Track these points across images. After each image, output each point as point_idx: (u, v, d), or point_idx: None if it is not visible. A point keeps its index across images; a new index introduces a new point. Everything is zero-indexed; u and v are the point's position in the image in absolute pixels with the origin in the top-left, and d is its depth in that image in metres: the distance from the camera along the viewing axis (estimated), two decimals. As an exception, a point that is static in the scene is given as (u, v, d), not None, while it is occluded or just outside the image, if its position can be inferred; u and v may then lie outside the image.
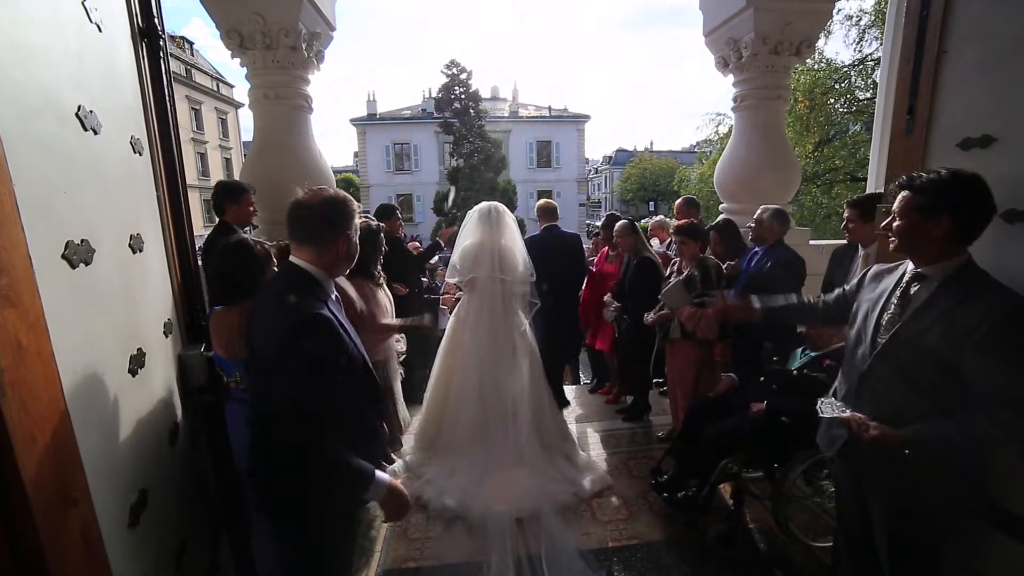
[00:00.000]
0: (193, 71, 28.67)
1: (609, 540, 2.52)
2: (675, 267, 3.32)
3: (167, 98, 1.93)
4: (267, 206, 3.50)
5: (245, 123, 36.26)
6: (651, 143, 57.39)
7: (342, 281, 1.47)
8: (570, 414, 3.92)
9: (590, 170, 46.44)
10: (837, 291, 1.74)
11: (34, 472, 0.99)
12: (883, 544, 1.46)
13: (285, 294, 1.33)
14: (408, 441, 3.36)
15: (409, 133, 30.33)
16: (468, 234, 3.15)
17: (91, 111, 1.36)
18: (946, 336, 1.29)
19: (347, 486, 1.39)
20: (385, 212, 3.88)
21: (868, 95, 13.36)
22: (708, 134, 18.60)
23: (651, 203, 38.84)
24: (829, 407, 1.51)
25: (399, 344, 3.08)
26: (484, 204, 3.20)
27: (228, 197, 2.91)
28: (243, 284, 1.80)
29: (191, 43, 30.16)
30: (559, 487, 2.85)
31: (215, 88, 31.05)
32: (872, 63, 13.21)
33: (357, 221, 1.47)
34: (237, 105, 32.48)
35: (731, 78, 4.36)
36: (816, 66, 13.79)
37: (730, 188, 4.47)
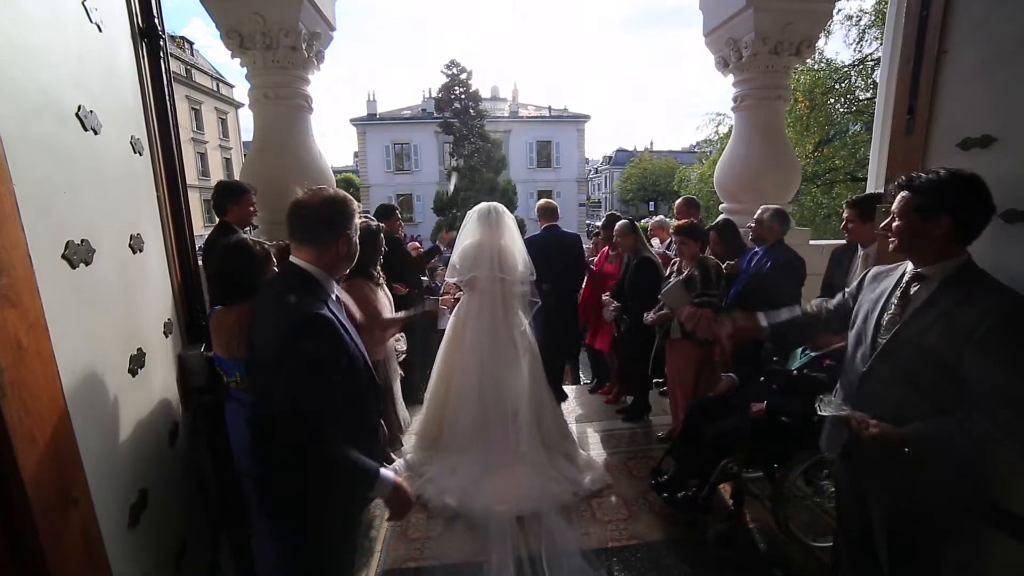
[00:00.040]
0: (193, 71, 28.67)
1: (609, 540, 2.52)
2: (675, 267, 3.32)
3: (167, 98, 1.93)
4: (267, 206, 3.50)
5: (245, 123, 36.31)
6: (651, 143, 57.45)
7: (340, 293, 1.49)
8: (570, 414, 3.92)
9: (590, 170, 46.44)
10: (839, 297, 1.74)
11: (34, 472, 0.99)
12: (883, 544, 1.46)
13: (285, 294, 1.33)
14: (408, 441, 3.36)
15: (409, 133, 30.33)
16: (468, 234, 3.16)
17: (91, 111, 1.36)
18: (946, 336, 1.29)
19: (353, 484, 1.40)
20: (385, 212, 3.88)
21: (868, 95, 13.36)
22: (708, 134, 18.63)
23: (651, 203, 38.85)
24: (828, 405, 1.51)
25: (399, 343, 3.08)
26: (483, 204, 3.21)
27: (229, 197, 2.91)
28: (243, 284, 1.80)
29: (191, 43, 30.17)
30: (559, 486, 2.85)
31: (215, 88, 31.06)
32: (872, 63, 13.22)
33: (357, 221, 1.47)
34: (237, 105, 32.48)
35: (731, 78, 4.36)
36: (816, 66, 13.80)
37: (730, 188, 4.47)
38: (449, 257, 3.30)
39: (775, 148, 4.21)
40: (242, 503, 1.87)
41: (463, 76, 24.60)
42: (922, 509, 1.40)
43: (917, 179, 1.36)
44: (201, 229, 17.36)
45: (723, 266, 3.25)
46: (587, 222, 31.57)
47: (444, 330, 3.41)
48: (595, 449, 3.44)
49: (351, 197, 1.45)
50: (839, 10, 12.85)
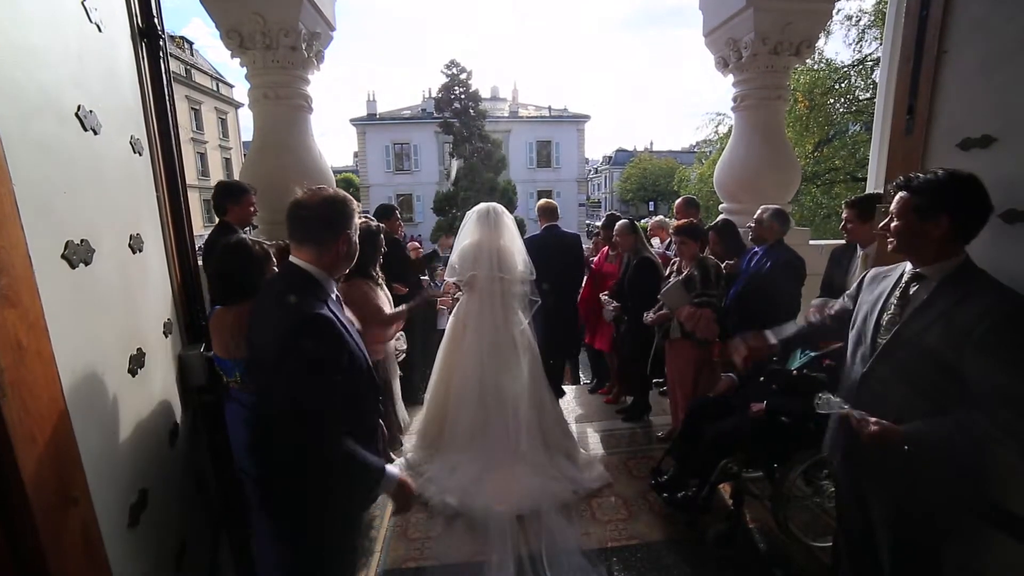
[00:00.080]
0: (193, 71, 28.67)
1: (609, 540, 2.52)
2: (675, 267, 3.32)
3: (167, 98, 1.93)
4: (267, 206, 3.50)
5: (245, 123, 36.32)
6: (651, 143, 57.47)
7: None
8: (570, 414, 3.92)
9: (590, 170, 46.45)
10: (840, 301, 1.73)
11: (34, 472, 0.99)
12: (884, 544, 1.46)
13: (285, 294, 1.33)
14: (408, 441, 3.36)
15: (409, 133, 30.33)
16: (467, 234, 3.16)
17: (91, 111, 1.36)
18: (945, 336, 1.29)
19: (360, 481, 1.41)
20: (384, 212, 3.88)
21: (868, 95, 13.35)
22: (708, 134, 18.60)
23: (651, 203, 38.85)
24: (827, 403, 1.51)
25: (399, 342, 3.08)
26: (482, 205, 3.21)
27: (229, 197, 2.91)
28: (243, 284, 1.80)
29: (191, 43, 30.16)
30: (559, 485, 2.86)
31: (215, 88, 31.06)
32: (872, 63, 13.21)
33: (357, 221, 1.47)
34: (237, 105, 32.48)
35: (731, 78, 4.36)
36: (816, 66, 13.79)
37: (730, 188, 4.47)
38: (448, 258, 3.31)
39: (775, 148, 4.20)
40: (242, 503, 1.87)
41: (463, 76, 24.60)
42: (922, 509, 1.40)
43: (915, 179, 1.36)
44: (201, 229, 17.35)
45: (723, 266, 3.26)
46: (587, 222, 31.58)
47: (444, 330, 3.41)
48: (595, 449, 3.44)
49: (351, 197, 1.45)
50: (839, 10, 12.86)
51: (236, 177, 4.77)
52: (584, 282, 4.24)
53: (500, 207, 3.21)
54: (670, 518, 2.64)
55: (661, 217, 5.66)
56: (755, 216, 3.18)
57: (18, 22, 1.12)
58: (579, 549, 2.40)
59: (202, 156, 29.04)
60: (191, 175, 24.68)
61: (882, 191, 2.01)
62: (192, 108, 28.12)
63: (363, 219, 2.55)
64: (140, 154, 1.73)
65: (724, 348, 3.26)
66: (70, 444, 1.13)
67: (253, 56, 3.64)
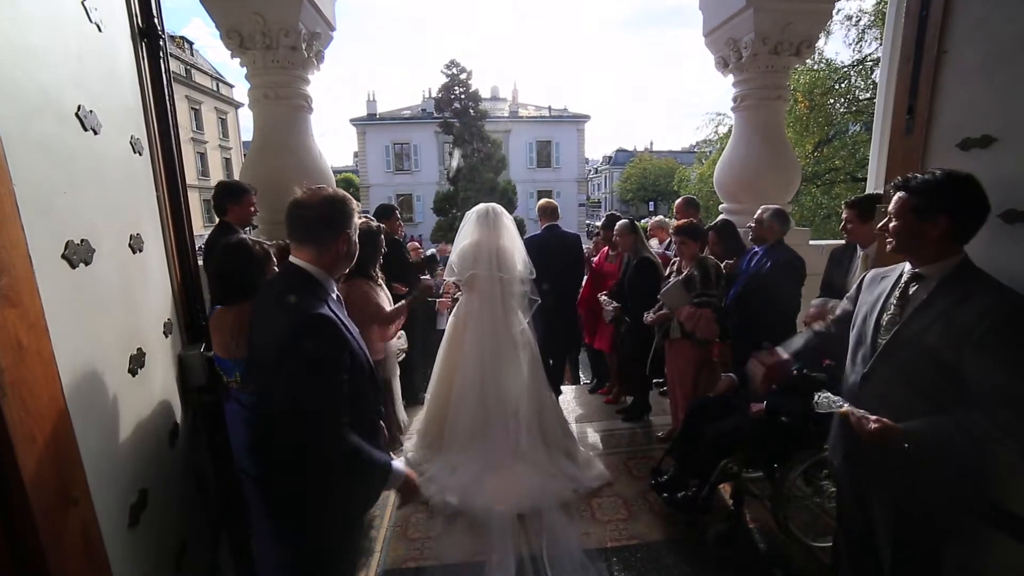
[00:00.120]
0: (193, 71, 28.67)
1: (609, 540, 2.52)
2: (675, 267, 3.32)
3: (167, 98, 1.93)
4: (267, 206, 3.50)
5: (245, 123, 36.32)
6: (651, 143, 57.50)
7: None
8: (570, 414, 3.91)
9: (590, 170, 46.46)
10: (842, 305, 1.73)
11: (34, 472, 0.99)
12: (885, 544, 1.46)
13: (285, 294, 1.33)
14: (408, 441, 3.36)
15: (409, 133, 30.34)
16: (466, 235, 3.17)
17: (91, 111, 1.36)
18: (945, 335, 1.29)
19: (369, 477, 1.42)
20: (385, 212, 3.88)
21: (868, 95, 13.35)
22: (708, 134, 18.60)
23: (651, 203, 38.85)
24: (826, 401, 1.51)
25: (400, 341, 3.08)
26: (481, 205, 3.22)
27: (229, 197, 2.91)
28: (242, 284, 1.80)
29: (191, 43, 30.16)
30: (560, 483, 2.86)
31: (215, 88, 31.06)
32: (872, 63, 13.21)
33: (356, 220, 1.47)
34: (237, 105, 32.48)
35: (731, 78, 4.36)
36: (816, 66, 13.79)
37: (730, 188, 4.47)
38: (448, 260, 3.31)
39: (775, 148, 4.20)
40: (242, 503, 1.87)
41: (463, 76, 24.62)
42: (922, 509, 1.40)
43: (913, 180, 1.37)
44: (201, 229, 17.35)
45: (722, 266, 3.26)
46: (587, 222, 31.58)
47: (444, 330, 3.41)
48: (595, 449, 3.44)
49: (350, 196, 1.46)
50: (839, 10, 12.85)
51: (236, 177, 4.77)
52: (584, 282, 4.24)
53: (499, 207, 3.21)
54: (670, 518, 2.64)
55: (661, 217, 5.66)
56: (755, 216, 3.18)
57: (18, 22, 1.12)
58: (580, 548, 2.41)
59: (202, 156, 29.04)
60: (191, 175, 24.68)
61: (882, 191, 2.01)
62: (192, 108, 28.12)
63: (363, 219, 2.55)
64: (140, 154, 1.73)
65: (724, 348, 3.28)
66: (70, 444, 1.13)
67: (253, 56, 3.64)
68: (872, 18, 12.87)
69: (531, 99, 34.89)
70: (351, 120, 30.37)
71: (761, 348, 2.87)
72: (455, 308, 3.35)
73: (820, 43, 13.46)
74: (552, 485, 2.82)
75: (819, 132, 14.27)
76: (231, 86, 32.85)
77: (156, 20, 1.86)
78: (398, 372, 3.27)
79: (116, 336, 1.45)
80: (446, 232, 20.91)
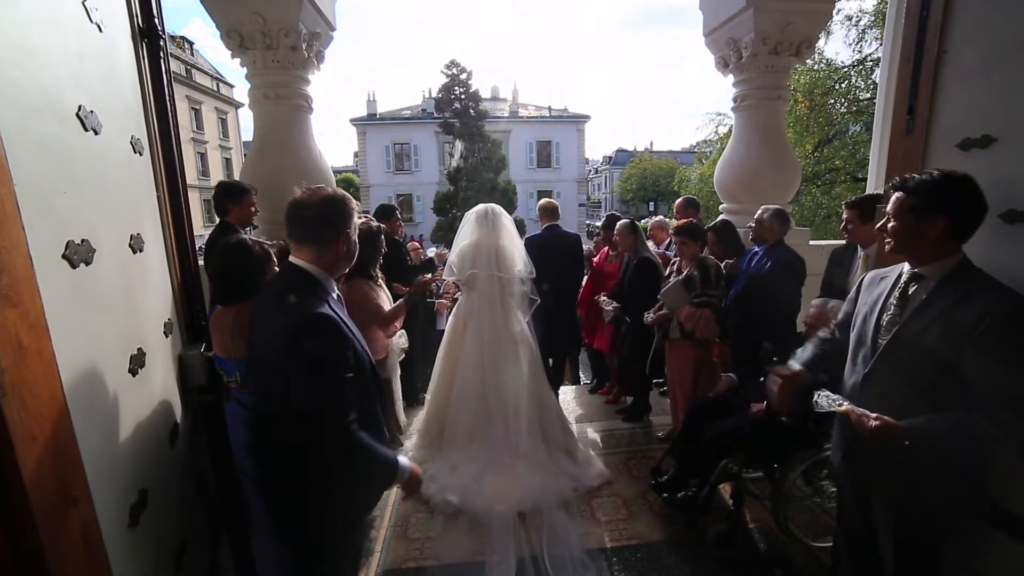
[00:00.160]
0: (193, 71, 28.67)
1: (609, 540, 2.53)
2: (675, 267, 3.32)
3: (167, 98, 1.93)
4: (268, 206, 3.50)
5: (245, 123, 36.32)
6: (651, 143, 57.56)
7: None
8: (570, 414, 3.91)
9: (590, 170, 46.46)
10: (844, 308, 1.73)
11: (34, 471, 0.99)
12: (886, 545, 1.46)
13: (286, 294, 1.33)
14: (407, 441, 3.37)
15: (409, 133, 30.35)
16: (465, 235, 3.18)
17: (91, 111, 1.36)
18: (945, 335, 1.30)
19: (377, 473, 1.44)
20: (385, 212, 3.88)
21: (868, 95, 13.35)
22: (708, 134, 18.59)
23: (651, 203, 38.86)
24: (826, 400, 1.51)
25: (401, 340, 3.08)
26: (481, 206, 3.23)
27: (230, 197, 2.92)
28: (243, 284, 1.80)
29: (191, 43, 30.16)
30: (560, 482, 2.87)
31: (215, 88, 31.06)
32: (872, 63, 13.21)
33: (356, 220, 1.47)
34: (237, 105, 32.48)
35: (731, 78, 4.36)
36: (816, 66, 13.78)
37: (730, 188, 4.47)
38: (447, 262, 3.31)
39: (775, 148, 4.20)
40: (242, 503, 1.87)
41: (463, 76, 24.61)
42: (922, 509, 1.40)
43: (910, 180, 1.37)
44: (201, 229, 17.35)
45: (722, 265, 3.26)
46: (587, 222, 31.59)
47: (443, 330, 3.42)
48: (595, 449, 3.44)
49: (349, 196, 1.46)
50: (839, 10, 12.85)
51: (236, 177, 4.77)
52: (585, 282, 4.24)
53: (498, 208, 3.22)
54: (670, 518, 2.64)
55: (661, 217, 5.66)
56: (755, 216, 3.19)
57: (18, 22, 1.12)
58: (580, 546, 2.41)
59: (202, 156, 29.04)
60: (191, 175, 24.69)
61: (882, 191, 2.01)
62: (192, 108, 28.12)
63: (363, 219, 2.55)
64: (140, 154, 1.73)
65: (724, 348, 3.28)
66: (70, 444, 1.13)
67: (253, 56, 3.64)
68: (872, 18, 12.87)
69: (531, 99, 34.97)
70: (351, 120, 30.38)
71: (761, 348, 2.89)
72: (455, 308, 3.35)
73: (820, 43, 13.47)
74: (553, 484, 2.83)
75: (819, 132, 14.27)
76: (231, 86, 32.86)
77: (156, 20, 1.86)
78: (398, 372, 3.27)
79: (116, 336, 1.45)
80: (446, 232, 20.92)
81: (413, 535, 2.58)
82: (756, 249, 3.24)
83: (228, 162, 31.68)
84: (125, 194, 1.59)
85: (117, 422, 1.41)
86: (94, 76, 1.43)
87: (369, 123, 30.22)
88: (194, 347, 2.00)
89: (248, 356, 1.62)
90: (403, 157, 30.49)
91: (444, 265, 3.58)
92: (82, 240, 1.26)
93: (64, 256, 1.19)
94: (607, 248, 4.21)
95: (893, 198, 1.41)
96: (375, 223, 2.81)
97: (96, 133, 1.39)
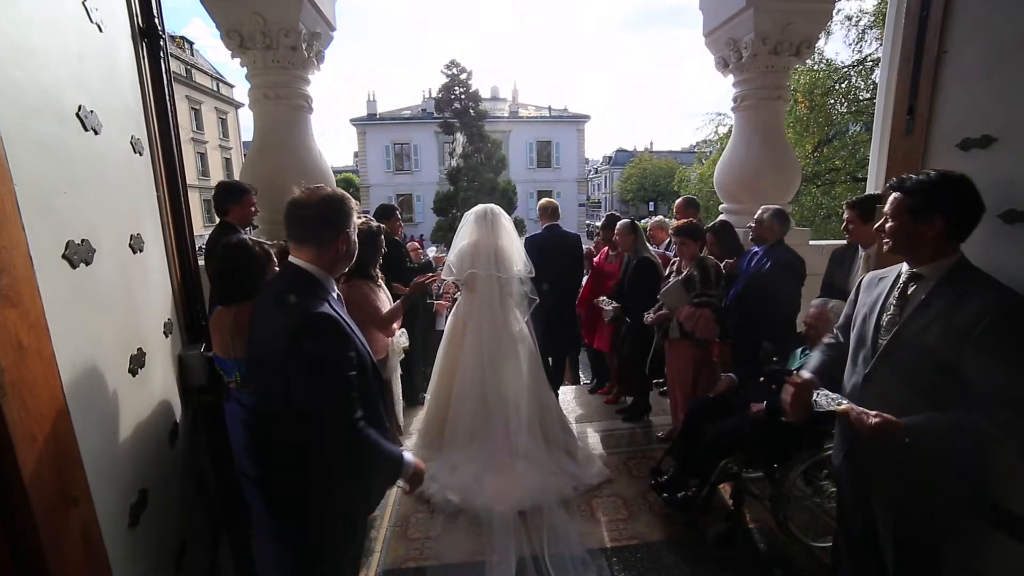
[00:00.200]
0: (193, 71, 28.67)
1: (609, 540, 2.53)
2: (674, 267, 3.32)
3: (167, 98, 1.93)
4: (268, 206, 3.50)
5: (245, 123, 36.32)
6: (651, 143, 57.50)
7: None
8: (570, 414, 3.92)
9: (590, 170, 46.47)
10: (845, 311, 1.72)
11: (34, 471, 0.99)
12: (887, 545, 1.46)
13: (286, 294, 1.33)
14: (407, 441, 3.37)
15: (409, 133, 30.36)
16: (464, 235, 3.18)
17: (91, 111, 1.36)
18: (945, 335, 1.30)
19: (384, 468, 1.45)
20: (385, 212, 3.88)
21: (868, 95, 13.35)
22: (708, 134, 18.60)
23: (651, 203, 38.86)
24: (826, 400, 1.51)
25: (402, 339, 3.08)
26: (480, 206, 3.23)
27: (230, 197, 2.92)
28: (243, 284, 1.80)
29: (191, 43, 30.16)
30: (560, 481, 2.88)
31: (215, 88, 31.06)
32: (872, 63, 13.21)
33: (355, 219, 1.47)
34: (237, 105, 32.48)
35: (731, 78, 4.36)
36: (816, 66, 13.78)
37: (730, 188, 4.47)
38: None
39: (775, 148, 4.20)
40: (242, 503, 1.87)
41: (463, 76, 24.61)
42: (922, 509, 1.40)
43: (907, 180, 1.38)
44: (201, 229, 17.35)
45: (722, 265, 3.26)
46: (587, 222, 31.60)
47: (443, 330, 3.42)
48: (595, 449, 3.44)
49: (348, 195, 1.46)
50: (839, 11, 12.85)
51: (236, 177, 4.77)
52: (585, 282, 4.24)
53: (497, 208, 3.23)
54: (670, 518, 2.64)
55: (661, 217, 5.66)
56: (755, 216, 3.19)
57: (18, 22, 1.12)
58: (580, 545, 2.41)
59: (202, 156, 29.03)
60: (191, 175, 24.69)
61: (882, 191, 2.01)
62: (192, 108, 28.12)
63: (363, 219, 2.55)
64: (140, 154, 1.73)
65: (724, 348, 3.28)
66: (70, 444, 1.13)
67: (253, 56, 3.64)
68: (872, 18, 12.87)
69: (531, 99, 34.96)
70: (351, 120, 30.39)
71: (761, 348, 2.89)
72: (454, 308, 3.36)
73: (820, 43, 13.47)
74: (553, 482, 2.83)
75: (819, 132, 14.27)
76: (231, 86, 32.86)
77: (156, 20, 1.86)
78: (398, 372, 3.27)
79: (116, 336, 1.45)
80: (446, 232, 20.92)
81: (413, 535, 2.58)
82: (756, 249, 3.24)
83: (228, 162, 31.68)
84: (125, 194, 1.59)
85: (117, 422, 1.41)
86: (94, 76, 1.43)
87: (369, 123, 30.23)
88: (194, 347, 2.00)
89: (248, 356, 1.62)
90: (403, 157, 30.50)
91: (443, 267, 3.58)
92: (82, 240, 1.26)
93: (64, 256, 1.19)
94: (607, 248, 4.21)
95: (891, 198, 1.42)
96: (375, 223, 2.80)
97: (96, 133, 1.39)
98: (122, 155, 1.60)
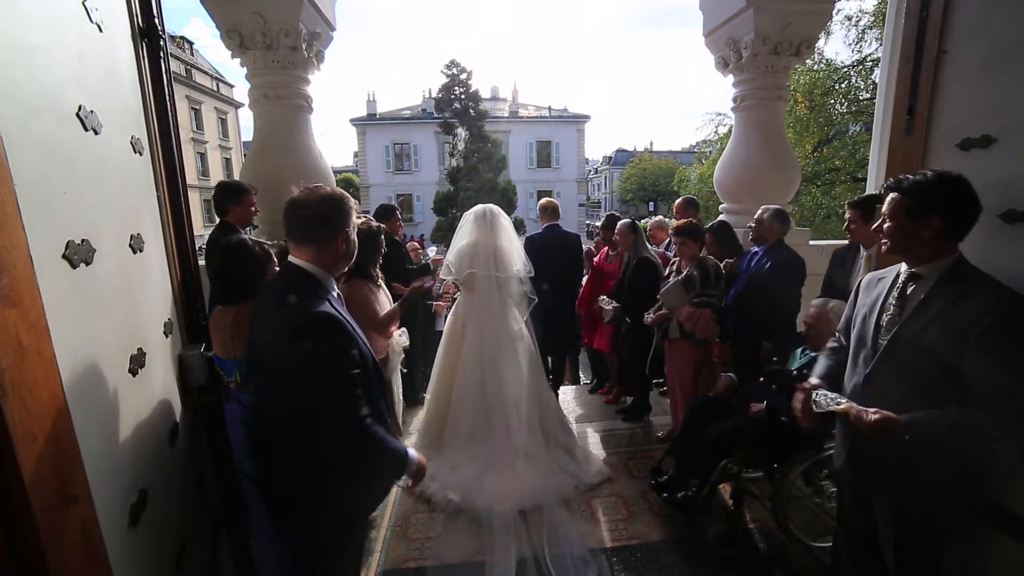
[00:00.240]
0: (193, 71, 28.67)
1: (609, 540, 2.53)
2: (674, 267, 3.32)
3: (167, 98, 1.93)
4: (268, 206, 3.50)
5: (245, 123, 36.32)
6: (651, 143, 57.54)
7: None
8: (570, 414, 3.92)
9: (590, 170, 46.48)
10: (845, 314, 1.72)
11: (34, 471, 0.99)
12: (888, 545, 1.46)
13: (286, 294, 1.33)
14: (407, 441, 3.37)
15: (409, 133, 30.36)
16: (463, 235, 3.19)
17: (91, 111, 1.36)
18: (944, 335, 1.30)
19: (391, 464, 1.46)
20: (385, 212, 3.88)
21: (868, 95, 13.35)
22: (708, 134, 18.60)
23: (651, 203, 38.86)
24: (825, 399, 1.51)
25: (402, 339, 3.08)
26: (479, 206, 3.24)
27: (230, 197, 2.92)
28: (243, 284, 1.80)
29: (191, 43, 30.16)
30: (560, 479, 2.88)
31: (215, 88, 31.06)
32: (872, 63, 13.21)
33: (355, 218, 1.47)
34: (237, 105, 32.48)
35: (731, 78, 4.36)
36: (816, 67, 13.79)
37: (730, 188, 4.47)
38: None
39: (775, 148, 4.20)
40: (242, 503, 1.87)
41: (463, 76, 24.61)
42: (923, 509, 1.40)
43: (904, 181, 1.38)
44: (201, 229, 17.34)
45: (722, 265, 3.25)
46: (587, 222, 31.60)
47: (442, 331, 3.42)
48: (595, 449, 3.44)
49: (347, 194, 1.46)
50: (839, 11, 12.86)
51: (236, 177, 4.77)
52: (585, 282, 4.24)
53: (497, 208, 3.23)
54: (670, 518, 2.64)
55: (660, 217, 5.66)
56: (755, 216, 3.19)
57: (18, 22, 1.12)
58: (580, 543, 2.41)
59: (202, 156, 29.03)
60: (191, 175, 24.69)
61: (880, 192, 2.01)
62: (192, 108, 28.11)
63: (363, 219, 2.55)
64: (140, 154, 1.73)
65: (724, 348, 3.28)
66: (70, 443, 1.13)
67: (253, 56, 3.64)
68: (872, 18, 12.87)
69: (531, 99, 34.96)
70: (351, 120, 30.39)
71: (761, 348, 2.89)
72: (453, 307, 3.36)
73: (820, 43, 13.48)
74: (553, 481, 2.84)
75: (819, 132, 14.27)
76: (231, 86, 32.86)
77: (156, 20, 1.86)
78: (399, 372, 3.27)
79: (116, 336, 1.45)
80: (446, 232, 20.92)
81: (413, 535, 2.58)
82: (756, 249, 3.24)
83: (228, 162, 31.68)
84: (125, 194, 1.59)
85: (117, 422, 1.41)
86: (94, 76, 1.43)
87: (369, 123, 30.23)
88: (194, 347, 2.00)
89: (248, 356, 1.62)
90: (403, 157, 30.50)
91: (442, 267, 3.57)
92: (82, 240, 1.26)
93: (64, 256, 1.19)
94: (607, 248, 4.21)
95: (888, 199, 1.42)
96: (375, 223, 2.80)
97: (96, 133, 1.39)
98: (122, 155, 1.60)
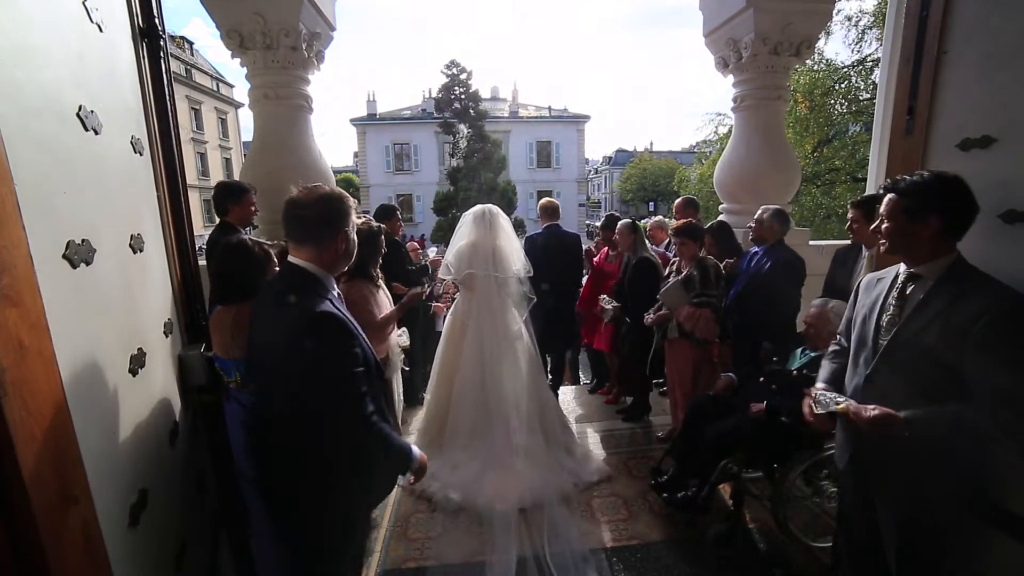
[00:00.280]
0: (193, 71, 28.67)
1: (609, 540, 2.53)
2: (674, 267, 3.32)
3: (167, 98, 1.93)
4: (268, 206, 3.51)
5: (245, 123, 36.32)
6: (651, 143, 57.61)
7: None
8: (570, 414, 3.92)
9: (590, 170, 46.48)
10: (846, 315, 1.72)
11: (35, 470, 0.99)
12: (888, 545, 1.46)
13: (286, 294, 1.33)
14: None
15: (409, 133, 30.36)
16: (463, 235, 3.19)
17: (92, 111, 1.36)
18: (944, 335, 1.30)
19: (395, 461, 1.47)
20: (385, 213, 3.88)
21: (868, 95, 13.35)
22: (708, 134, 18.61)
23: (651, 203, 38.87)
24: (825, 399, 1.51)
25: (402, 339, 3.08)
26: (478, 207, 3.24)
27: (230, 198, 2.92)
28: (243, 284, 1.80)
29: (191, 43, 30.16)
30: (560, 477, 2.88)
31: (215, 88, 31.06)
32: (872, 63, 13.21)
33: (354, 217, 1.47)
34: (237, 105, 32.49)
35: (731, 78, 4.36)
36: (816, 67, 13.79)
37: (730, 188, 4.47)
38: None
39: (775, 149, 4.21)
40: (242, 503, 1.87)
41: (463, 76, 24.61)
42: (924, 510, 1.40)
43: (902, 181, 1.39)
44: (201, 229, 17.34)
45: (722, 265, 3.25)
46: (587, 222, 31.60)
47: (440, 331, 3.43)
48: (595, 449, 3.44)
49: (346, 194, 1.46)
50: (839, 11, 12.86)
51: (236, 177, 4.77)
52: (585, 281, 4.24)
53: (496, 208, 3.23)
54: (670, 518, 2.64)
55: (660, 218, 5.66)
56: (755, 216, 3.19)
57: (18, 22, 1.12)
58: (581, 542, 2.42)
59: (202, 156, 29.03)
60: (191, 175, 24.69)
61: (878, 193, 2.01)
62: (192, 108, 28.12)
63: (363, 219, 2.55)
64: (141, 154, 1.73)
65: (724, 348, 3.28)
66: (71, 443, 1.13)
67: (253, 56, 3.64)
68: (872, 18, 12.87)
69: (531, 99, 34.97)
70: (351, 120, 30.39)
71: (761, 348, 2.89)
72: (453, 307, 3.36)
73: (820, 43, 13.48)
74: (553, 480, 2.84)
75: (819, 132, 14.27)
76: (231, 86, 32.86)
77: (156, 20, 1.86)
78: (399, 371, 3.27)
79: (116, 336, 1.45)
80: (446, 232, 20.92)
81: (413, 535, 2.58)
82: (756, 249, 3.24)
83: (228, 162, 31.68)
84: (125, 194, 1.59)
85: (117, 422, 1.41)
86: (94, 76, 1.43)
87: (369, 123, 30.22)
88: (194, 347, 2.00)
89: (248, 356, 1.62)
90: (403, 157, 30.50)
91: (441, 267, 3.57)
92: (82, 240, 1.26)
93: (64, 256, 1.19)
94: (607, 248, 4.21)
95: (886, 199, 1.42)
96: (375, 223, 2.80)
97: (96, 133, 1.39)
98: (122, 155, 1.60)
